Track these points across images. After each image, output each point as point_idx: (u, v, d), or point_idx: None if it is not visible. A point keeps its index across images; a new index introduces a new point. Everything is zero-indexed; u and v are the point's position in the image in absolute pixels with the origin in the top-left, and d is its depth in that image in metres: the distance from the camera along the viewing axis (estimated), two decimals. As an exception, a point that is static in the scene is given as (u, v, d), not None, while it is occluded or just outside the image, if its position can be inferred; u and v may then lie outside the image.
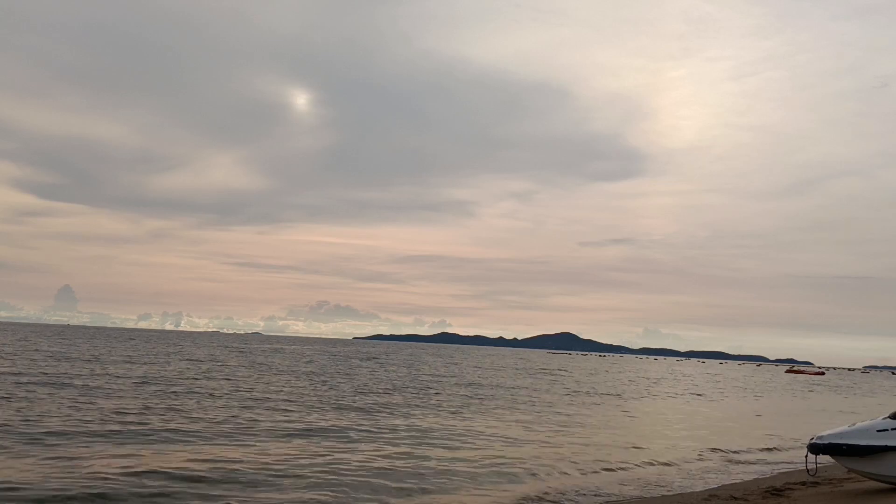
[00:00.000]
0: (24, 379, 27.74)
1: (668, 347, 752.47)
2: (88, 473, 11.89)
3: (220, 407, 22.32)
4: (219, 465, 13.26)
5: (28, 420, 17.10)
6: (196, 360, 52.25)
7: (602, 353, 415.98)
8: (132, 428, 16.90)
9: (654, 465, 16.72)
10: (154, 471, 12.38)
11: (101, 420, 17.92)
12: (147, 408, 20.83)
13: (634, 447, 19.37)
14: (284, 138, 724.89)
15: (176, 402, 22.70)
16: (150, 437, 15.87)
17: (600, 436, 21.40)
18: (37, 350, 54.26)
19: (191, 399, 24.12)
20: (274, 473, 12.84)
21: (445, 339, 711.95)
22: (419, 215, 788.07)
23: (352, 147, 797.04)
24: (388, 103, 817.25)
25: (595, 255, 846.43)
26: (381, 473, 13.50)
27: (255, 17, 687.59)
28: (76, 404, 20.61)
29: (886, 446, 11.39)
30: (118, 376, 32.04)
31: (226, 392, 27.37)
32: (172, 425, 17.70)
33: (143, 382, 29.33)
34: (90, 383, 27.55)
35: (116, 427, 16.92)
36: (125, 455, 13.67)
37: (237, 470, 12.92)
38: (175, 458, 13.74)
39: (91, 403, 21.05)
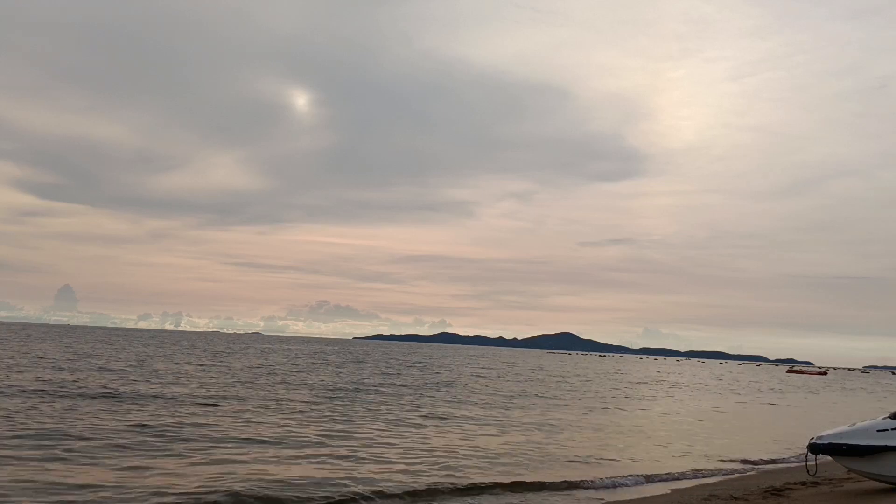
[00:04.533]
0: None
1: (668, 347, 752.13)
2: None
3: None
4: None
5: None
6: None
7: (602, 354, 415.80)
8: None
9: (654, 464, 16.76)
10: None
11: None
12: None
13: (635, 447, 19.41)
14: (284, 138, 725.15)
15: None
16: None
17: (600, 435, 21.47)
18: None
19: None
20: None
21: (445, 339, 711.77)
22: (419, 215, 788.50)
23: (352, 147, 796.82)
24: (389, 103, 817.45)
25: (595, 255, 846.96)
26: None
27: (255, 17, 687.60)
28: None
29: (886, 446, 11.40)
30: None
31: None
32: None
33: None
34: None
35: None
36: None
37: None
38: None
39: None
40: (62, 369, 34.65)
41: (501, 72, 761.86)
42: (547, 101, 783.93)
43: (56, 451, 13.77)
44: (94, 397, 22.85)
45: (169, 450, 14.65)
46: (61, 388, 25.01)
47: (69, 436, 15.46)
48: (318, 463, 14.42)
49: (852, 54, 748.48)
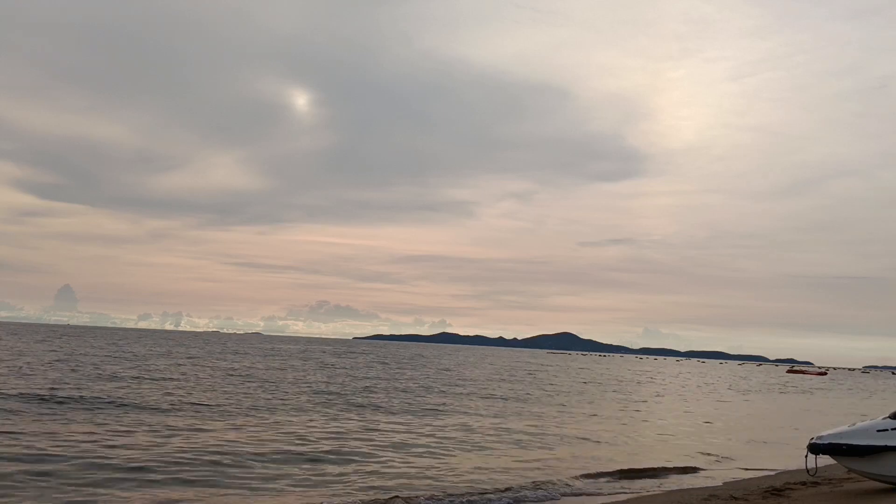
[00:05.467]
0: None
1: (668, 347, 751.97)
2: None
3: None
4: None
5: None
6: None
7: (602, 354, 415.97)
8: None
9: (654, 464, 16.70)
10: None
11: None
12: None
13: (635, 447, 19.37)
14: (284, 138, 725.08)
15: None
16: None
17: (598, 434, 21.42)
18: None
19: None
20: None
21: (445, 339, 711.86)
22: (419, 215, 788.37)
23: (352, 147, 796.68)
24: (389, 103, 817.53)
25: (595, 255, 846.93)
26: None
27: (255, 17, 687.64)
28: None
29: (886, 446, 11.37)
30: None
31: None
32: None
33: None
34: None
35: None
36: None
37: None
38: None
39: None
40: (65, 371, 34.54)
41: (501, 72, 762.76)
42: (547, 101, 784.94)
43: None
44: (99, 407, 21.45)
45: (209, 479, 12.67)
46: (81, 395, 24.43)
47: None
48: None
49: (852, 54, 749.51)
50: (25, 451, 13.69)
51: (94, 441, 15.15)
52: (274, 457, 14.78)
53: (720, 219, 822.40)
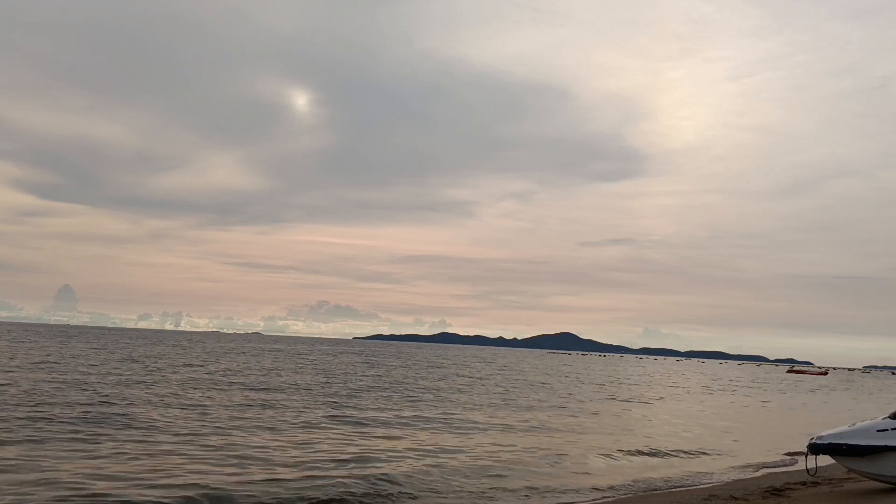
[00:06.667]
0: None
1: (668, 347, 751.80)
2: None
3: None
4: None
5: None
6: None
7: (602, 354, 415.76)
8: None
9: (654, 464, 16.72)
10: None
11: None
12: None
13: (635, 446, 19.37)
14: (284, 138, 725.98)
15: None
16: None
17: (600, 435, 21.42)
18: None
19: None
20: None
21: (445, 339, 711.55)
22: (419, 215, 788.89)
23: (352, 147, 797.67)
24: (389, 103, 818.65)
25: (595, 255, 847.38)
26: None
27: (255, 17, 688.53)
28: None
29: (886, 446, 11.39)
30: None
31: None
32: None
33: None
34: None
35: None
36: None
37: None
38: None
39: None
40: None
41: (501, 72, 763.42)
42: (547, 101, 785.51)
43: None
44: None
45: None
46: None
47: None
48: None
49: (852, 54, 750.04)
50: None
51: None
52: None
53: (720, 219, 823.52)
